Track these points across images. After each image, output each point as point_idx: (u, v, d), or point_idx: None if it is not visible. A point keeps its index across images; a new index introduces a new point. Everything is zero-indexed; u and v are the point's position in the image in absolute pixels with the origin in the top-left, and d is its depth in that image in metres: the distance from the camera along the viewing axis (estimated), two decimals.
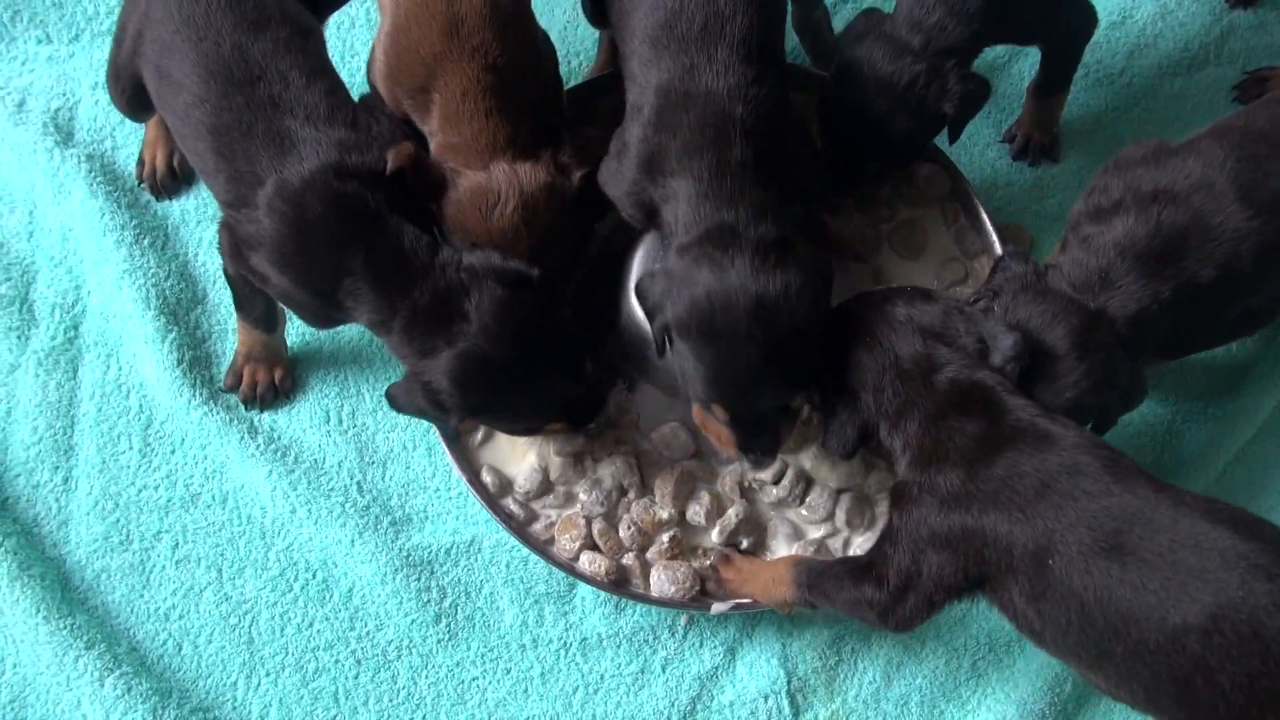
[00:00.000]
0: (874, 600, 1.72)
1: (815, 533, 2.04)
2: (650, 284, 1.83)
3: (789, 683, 2.02)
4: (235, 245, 1.86)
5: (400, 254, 1.79)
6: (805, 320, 1.75)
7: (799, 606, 1.88)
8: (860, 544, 2.02)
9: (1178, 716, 1.55)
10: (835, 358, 1.81)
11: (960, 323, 1.78)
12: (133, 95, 2.01)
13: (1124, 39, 2.44)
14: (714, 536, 2.03)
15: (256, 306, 2.04)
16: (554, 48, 2.05)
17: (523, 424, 1.93)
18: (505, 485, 2.05)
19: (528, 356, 1.79)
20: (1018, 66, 2.42)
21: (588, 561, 1.99)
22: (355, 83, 2.33)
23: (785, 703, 2.01)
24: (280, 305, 2.03)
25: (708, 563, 2.00)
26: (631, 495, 2.04)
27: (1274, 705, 1.46)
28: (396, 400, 1.84)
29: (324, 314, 1.88)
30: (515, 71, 1.91)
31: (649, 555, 2.02)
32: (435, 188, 1.89)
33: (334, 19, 2.41)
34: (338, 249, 1.79)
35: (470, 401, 1.79)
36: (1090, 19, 2.17)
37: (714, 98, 1.82)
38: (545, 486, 2.05)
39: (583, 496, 2.03)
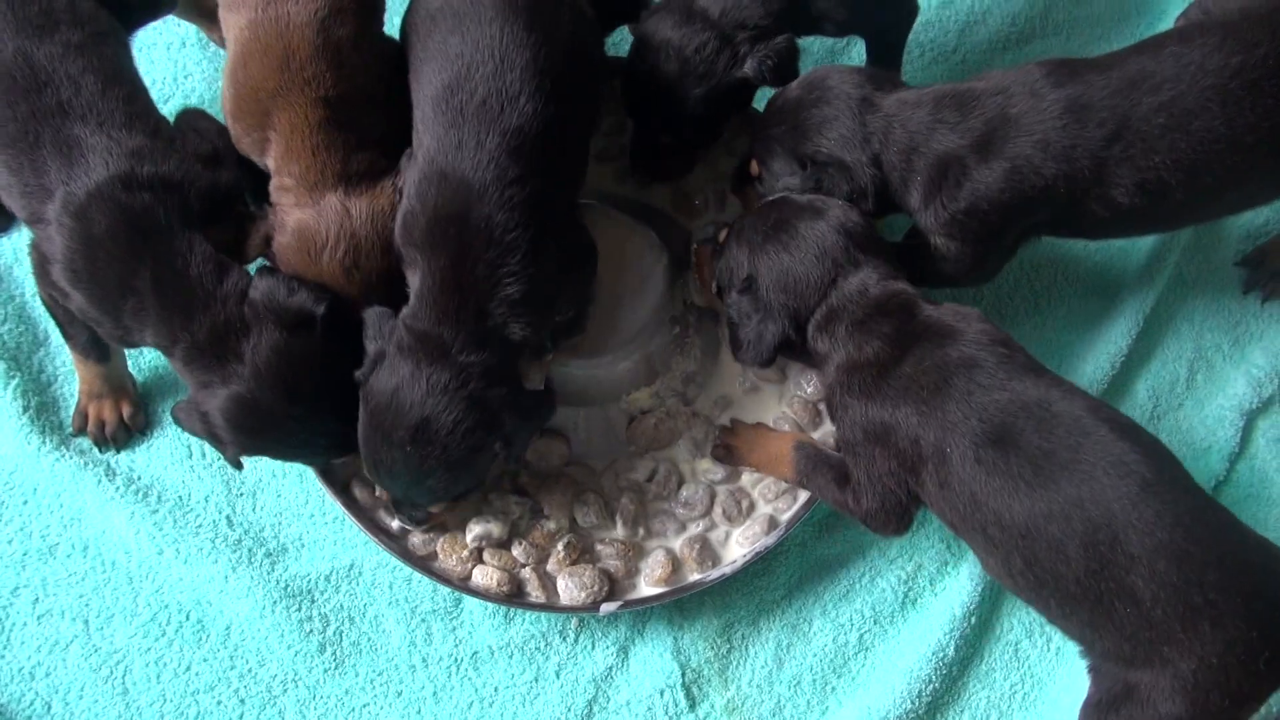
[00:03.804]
0: (850, 508, 1.84)
1: (695, 528, 2.05)
2: (381, 326, 1.78)
3: (683, 675, 2.03)
4: (41, 263, 1.79)
5: (186, 278, 1.73)
6: (459, 459, 1.75)
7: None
8: (738, 535, 2.04)
9: (1048, 605, 1.68)
10: (752, 265, 1.86)
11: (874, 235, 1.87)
12: None
13: (954, 17, 2.52)
14: (619, 530, 2.03)
15: (80, 333, 1.95)
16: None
17: (304, 460, 1.92)
18: (377, 499, 2.00)
19: (302, 400, 1.75)
20: (857, 49, 2.47)
21: (480, 575, 1.97)
22: (189, 105, 2.26)
23: (681, 695, 2.02)
24: None
25: (605, 564, 2.00)
26: (524, 521, 2.02)
27: (1119, 594, 1.58)
28: (179, 419, 1.79)
29: (119, 334, 1.80)
30: (352, 102, 1.84)
31: (549, 567, 2.00)
32: (267, 240, 1.84)
33: (164, 39, 2.33)
34: (123, 266, 1.72)
35: (243, 440, 1.76)
36: (910, 10, 2.21)
37: (465, 189, 1.72)
38: None
39: (470, 540, 1.99)
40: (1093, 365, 2.22)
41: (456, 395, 1.72)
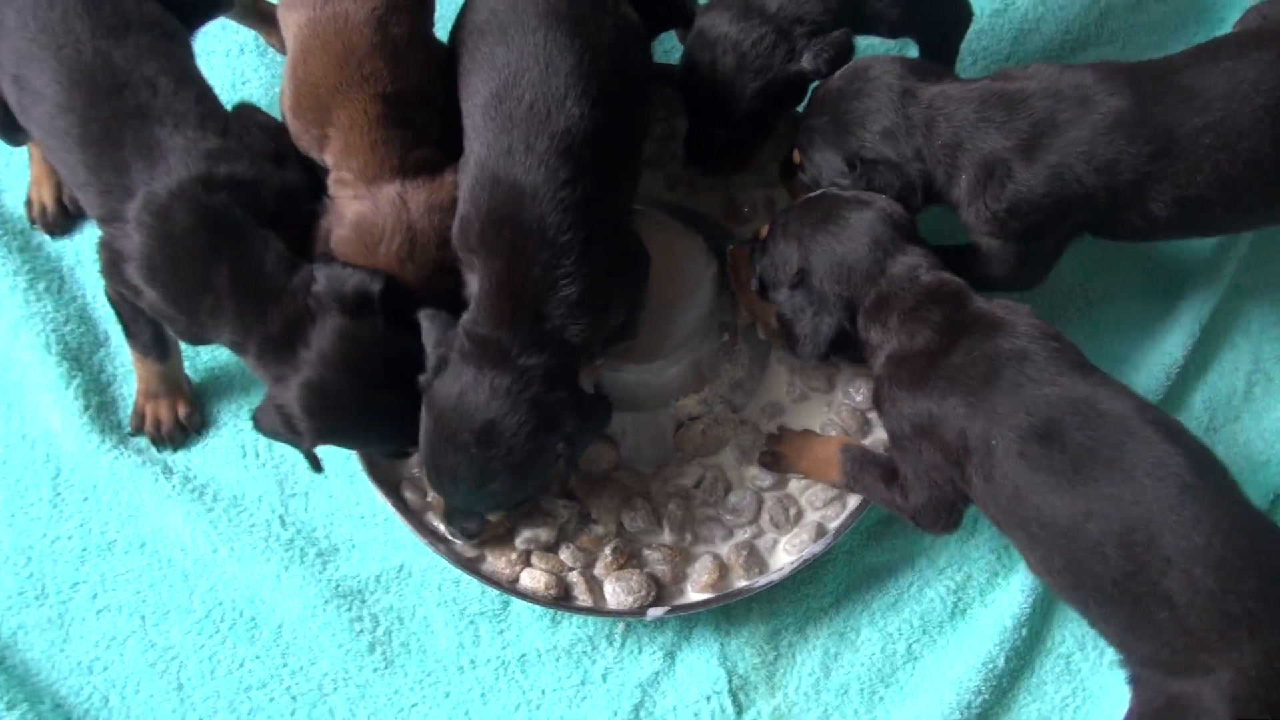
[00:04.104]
0: (899, 505, 1.84)
1: (742, 534, 2.05)
2: (443, 331, 1.79)
3: (730, 681, 2.03)
4: (113, 261, 1.82)
5: (261, 275, 1.77)
6: (523, 462, 1.76)
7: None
8: (785, 543, 2.04)
9: (1087, 606, 1.66)
10: (803, 258, 1.86)
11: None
12: (1, 115, 1.94)
13: (1007, 25, 2.50)
14: (666, 535, 2.03)
15: (143, 331, 1.98)
16: None
17: (375, 446, 1.93)
18: (427, 501, 2.02)
19: (369, 380, 1.78)
20: (912, 53, 2.46)
21: (528, 578, 1.98)
22: None
23: (728, 702, 2.02)
24: (171, 335, 1.99)
25: (652, 569, 2.00)
26: (572, 525, 2.03)
27: (1155, 598, 1.57)
28: (259, 422, 1.83)
29: (191, 331, 1.85)
30: (408, 99, 1.87)
31: (596, 571, 2.01)
32: (325, 238, 1.87)
33: (223, 46, 2.37)
34: (203, 264, 1.76)
35: (319, 427, 1.78)
36: (963, 15, 2.20)
37: (517, 192, 1.74)
38: None
39: (519, 543, 2.01)
40: (1147, 376, 2.19)
41: (520, 398, 1.73)
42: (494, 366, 1.73)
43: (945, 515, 1.81)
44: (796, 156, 2.04)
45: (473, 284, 1.80)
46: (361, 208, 1.84)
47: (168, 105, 1.80)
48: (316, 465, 1.88)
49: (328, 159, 1.91)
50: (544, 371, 1.75)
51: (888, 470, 1.86)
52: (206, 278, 1.76)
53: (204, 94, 1.87)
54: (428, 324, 1.81)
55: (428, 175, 1.88)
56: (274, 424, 1.80)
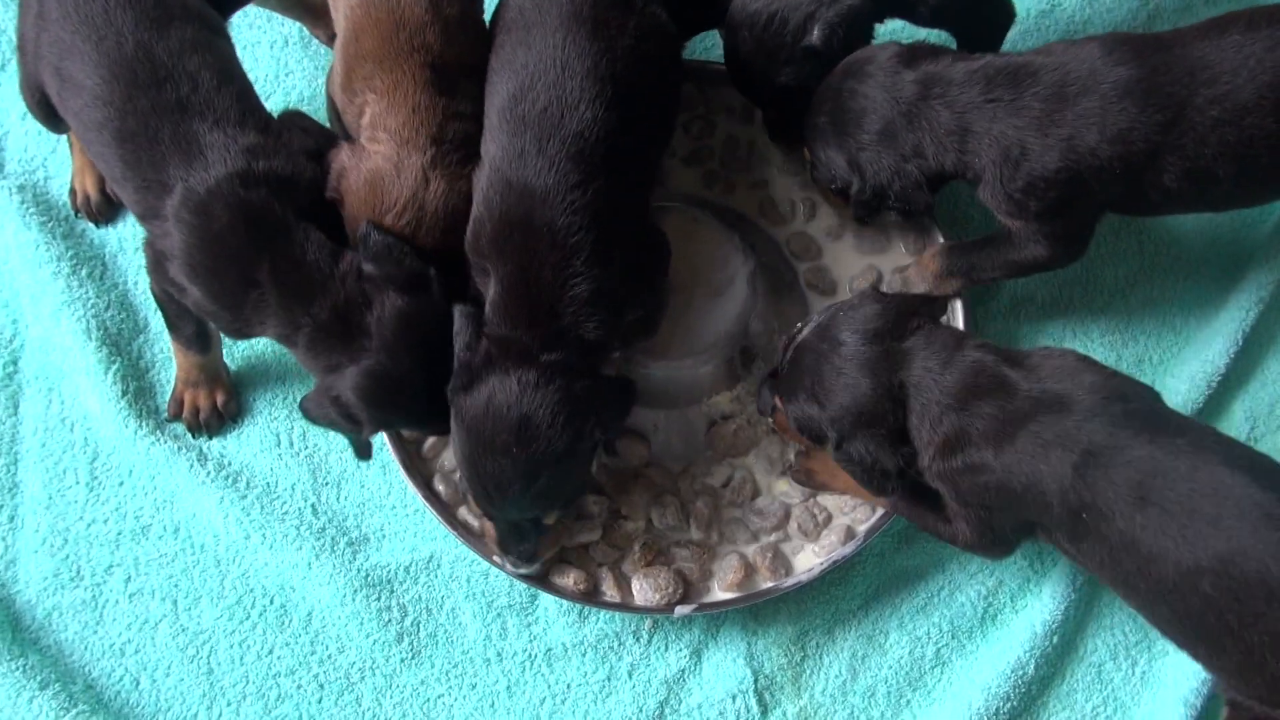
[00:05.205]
0: (964, 541, 1.81)
1: (768, 538, 2.04)
2: (470, 330, 1.78)
3: (756, 681, 2.02)
4: (157, 260, 1.83)
5: (303, 265, 1.76)
6: (564, 450, 1.74)
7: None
8: (812, 550, 2.02)
9: (1195, 649, 1.63)
10: (826, 423, 1.77)
11: (913, 305, 1.80)
12: (41, 102, 1.95)
13: (1054, 26, 2.47)
14: (693, 532, 2.03)
15: (186, 326, 1.99)
16: None
17: (438, 427, 1.90)
18: (459, 493, 2.02)
19: (432, 363, 1.77)
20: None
21: (557, 573, 1.98)
22: (290, 102, 2.32)
23: (753, 701, 2.01)
24: (212, 326, 2.00)
25: (680, 566, 2.00)
26: (601, 518, 2.03)
27: (1272, 649, 1.52)
28: (309, 412, 1.82)
29: (236, 326, 1.84)
30: (456, 69, 1.88)
31: (625, 567, 2.01)
32: (336, 177, 1.87)
33: (268, 38, 2.39)
34: (244, 260, 1.75)
35: (379, 415, 1.77)
36: (1005, 13, 2.18)
37: (528, 195, 1.74)
38: None
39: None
40: (1189, 386, 2.16)
41: (549, 389, 1.72)
42: (519, 365, 1.73)
43: (1003, 550, 1.79)
44: (807, 155, 2.03)
45: (488, 291, 1.79)
46: (382, 165, 1.83)
47: (208, 100, 1.80)
48: (367, 453, 1.88)
49: (364, 121, 1.90)
50: (565, 365, 1.74)
51: (942, 517, 1.82)
52: (249, 273, 1.76)
53: (245, 91, 1.87)
54: (462, 322, 1.80)
55: (460, 155, 1.87)
56: (328, 414, 1.78)
